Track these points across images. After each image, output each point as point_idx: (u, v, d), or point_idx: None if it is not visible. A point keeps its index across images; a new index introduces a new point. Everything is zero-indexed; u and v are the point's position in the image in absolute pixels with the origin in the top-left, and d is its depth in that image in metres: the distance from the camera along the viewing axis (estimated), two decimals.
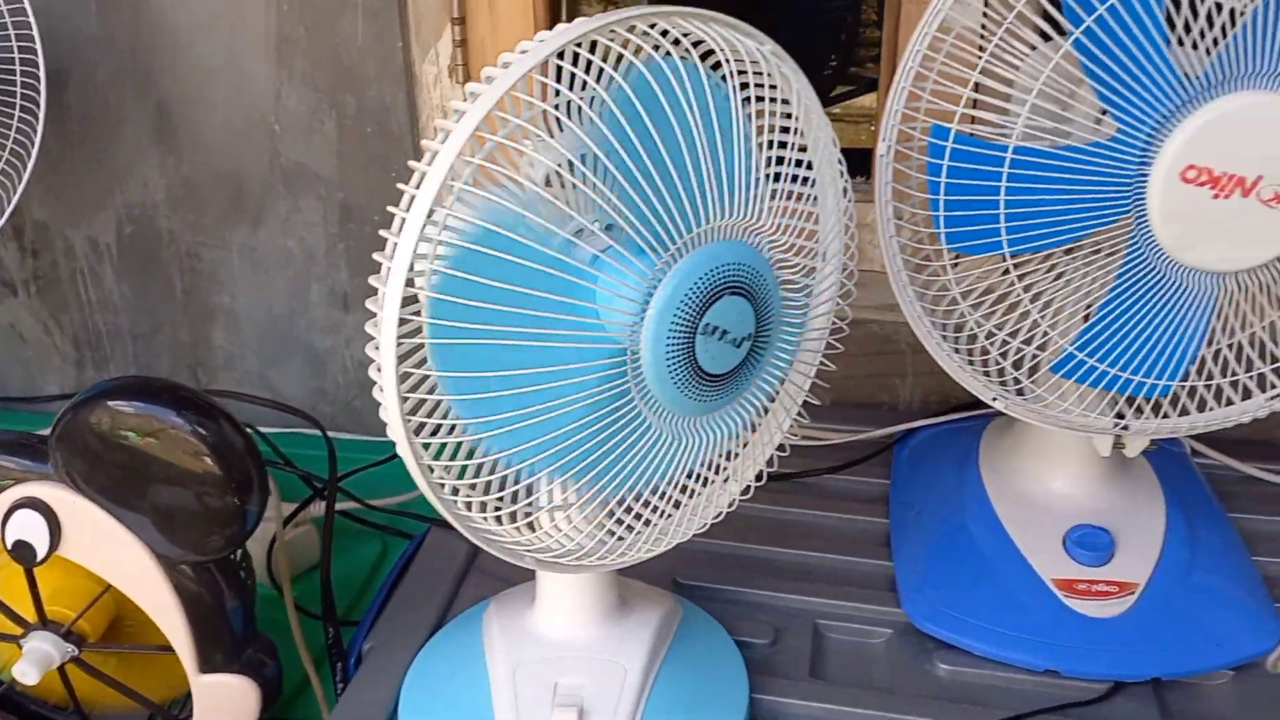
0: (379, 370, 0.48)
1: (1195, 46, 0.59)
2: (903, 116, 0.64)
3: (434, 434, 0.51)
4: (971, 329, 0.67)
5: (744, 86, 0.52)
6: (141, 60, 0.98)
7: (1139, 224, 0.61)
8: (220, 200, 1.03)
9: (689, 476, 0.59)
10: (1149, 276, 0.63)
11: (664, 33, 0.49)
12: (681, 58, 0.50)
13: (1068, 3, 0.58)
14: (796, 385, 0.62)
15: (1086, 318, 0.66)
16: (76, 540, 0.65)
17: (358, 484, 0.91)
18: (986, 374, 0.69)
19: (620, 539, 0.58)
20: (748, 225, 0.53)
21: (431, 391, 0.50)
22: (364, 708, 0.68)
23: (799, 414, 0.63)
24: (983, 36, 0.61)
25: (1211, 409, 0.69)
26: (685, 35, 0.50)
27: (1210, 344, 0.66)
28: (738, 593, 0.77)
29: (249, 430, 0.64)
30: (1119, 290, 0.64)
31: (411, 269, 0.47)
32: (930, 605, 0.73)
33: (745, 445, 0.61)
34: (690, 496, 0.60)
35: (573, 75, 0.48)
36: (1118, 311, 0.64)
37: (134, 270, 1.08)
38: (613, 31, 0.49)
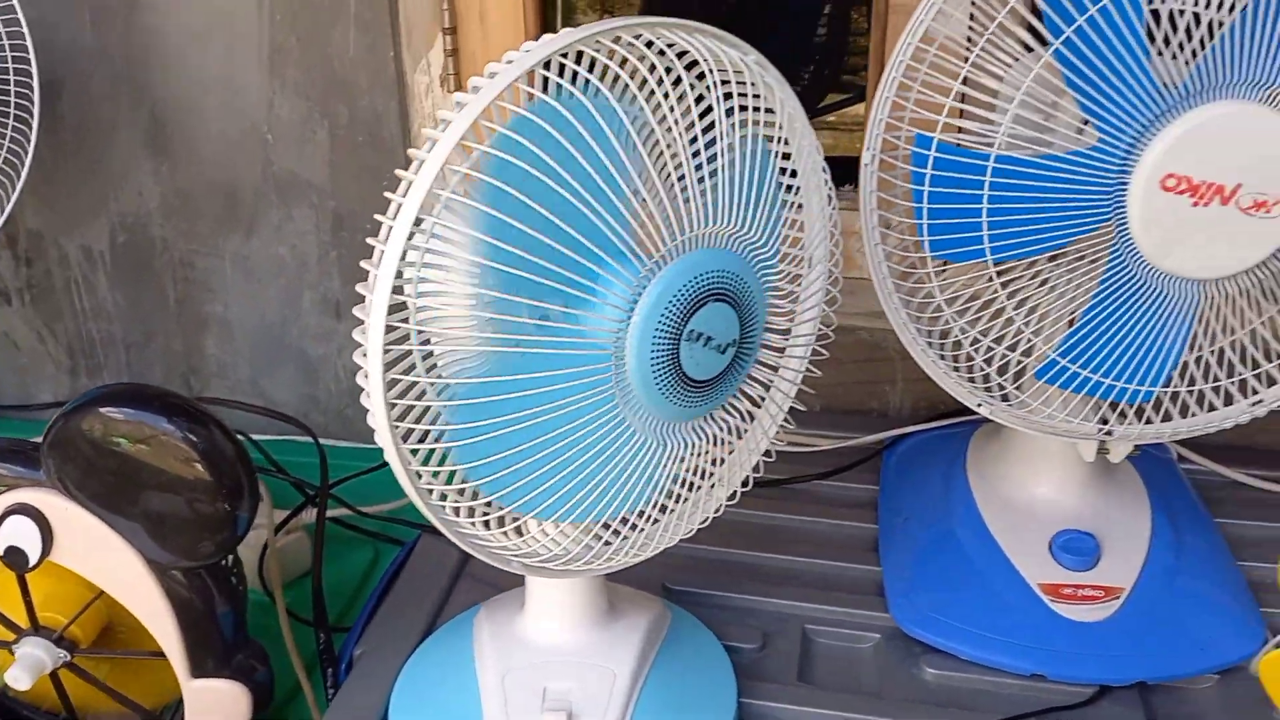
0: (366, 377, 0.49)
1: (1175, 57, 0.60)
2: (887, 126, 0.64)
3: (421, 440, 0.51)
4: (956, 336, 0.68)
5: (728, 96, 0.53)
6: (135, 70, 0.99)
7: (1120, 232, 0.62)
8: (213, 209, 1.03)
9: (676, 482, 0.60)
10: (1131, 283, 0.64)
11: (649, 44, 0.50)
12: (667, 69, 0.50)
13: (1048, 14, 0.58)
14: (783, 392, 0.63)
15: (1071, 323, 0.67)
16: (69, 546, 0.65)
17: (350, 491, 0.92)
18: (972, 380, 0.70)
19: (607, 544, 0.59)
20: (732, 233, 0.54)
21: (419, 399, 0.51)
22: (355, 713, 0.68)
23: (785, 420, 0.64)
24: (968, 45, 0.61)
25: (1194, 414, 0.69)
26: (670, 46, 0.51)
27: (1193, 350, 0.67)
28: (727, 598, 0.77)
29: (240, 437, 0.65)
30: (1101, 297, 0.65)
31: (399, 276, 0.48)
32: (917, 610, 0.74)
33: (732, 451, 0.62)
34: (678, 502, 0.61)
35: (559, 85, 0.49)
36: (1100, 318, 0.65)
37: (127, 278, 1.08)
38: (598, 42, 0.49)
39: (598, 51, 0.49)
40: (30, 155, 0.88)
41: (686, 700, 0.67)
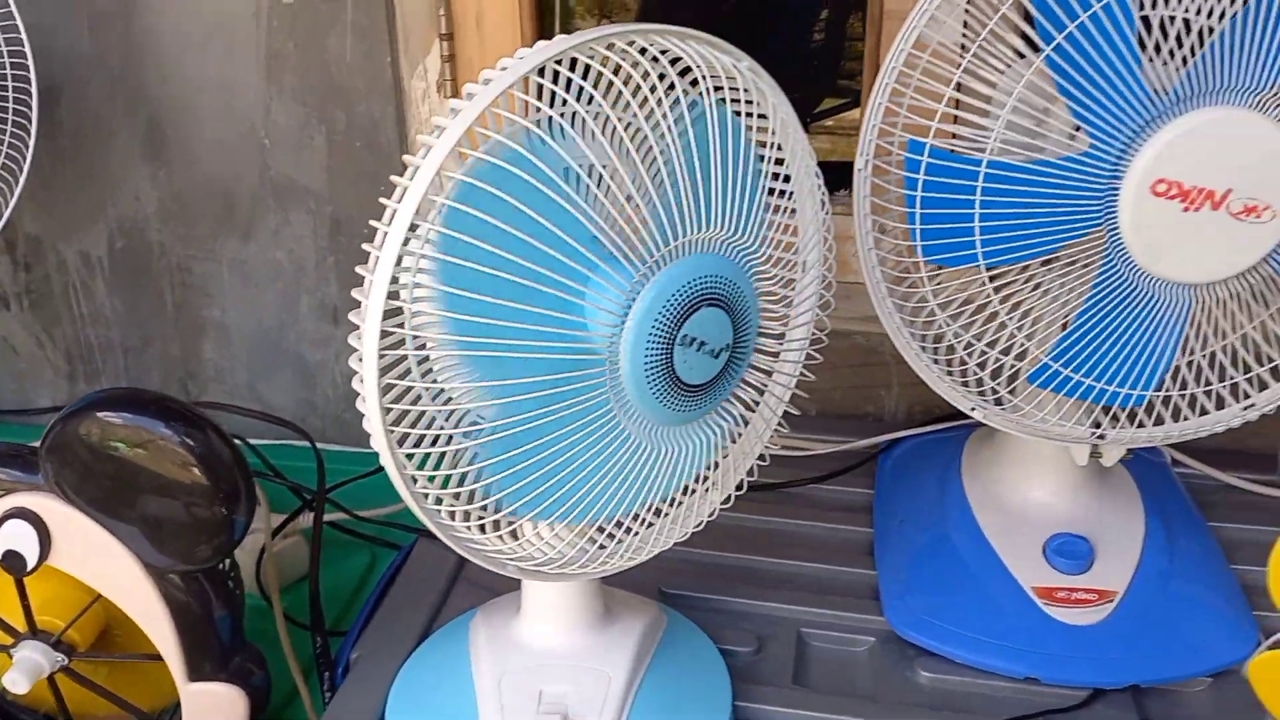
0: (362, 382, 0.49)
1: (1166, 63, 0.60)
2: (880, 131, 0.65)
3: (417, 445, 0.52)
4: (950, 340, 0.68)
5: (721, 103, 0.53)
6: (132, 76, 0.99)
7: (1111, 237, 0.62)
8: (211, 214, 1.04)
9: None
10: (1122, 288, 0.64)
11: (642, 50, 0.50)
12: (660, 76, 0.51)
13: (1040, 21, 0.59)
14: (777, 396, 0.63)
15: (1064, 327, 0.67)
16: (66, 550, 0.65)
17: (347, 495, 0.92)
18: (965, 384, 0.70)
19: (602, 548, 0.59)
20: (725, 238, 0.54)
21: (414, 403, 0.51)
22: (352, 716, 0.68)
23: (779, 425, 0.64)
24: (962, 51, 0.62)
25: (1187, 418, 0.70)
26: (664, 53, 0.51)
27: (1185, 354, 0.67)
28: (722, 601, 0.77)
29: (238, 442, 0.65)
30: (1094, 301, 0.65)
31: (395, 282, 0.48)
32: (912, 613, 0.74)
33: (726, 455, 0.62)
34: (672, 505, 0.61)
35: (553, 92, 0.49)
36: (1093, 322, 0.65)
37: (125, 284, 1.09)
38: (592, 49, 0.50)
39: (591, 58, 0.50)
40: (29, 160, 0.88)
41: (682, 703, 0.67)
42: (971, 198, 0.62)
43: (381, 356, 0.49)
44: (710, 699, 0.69)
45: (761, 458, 0.65)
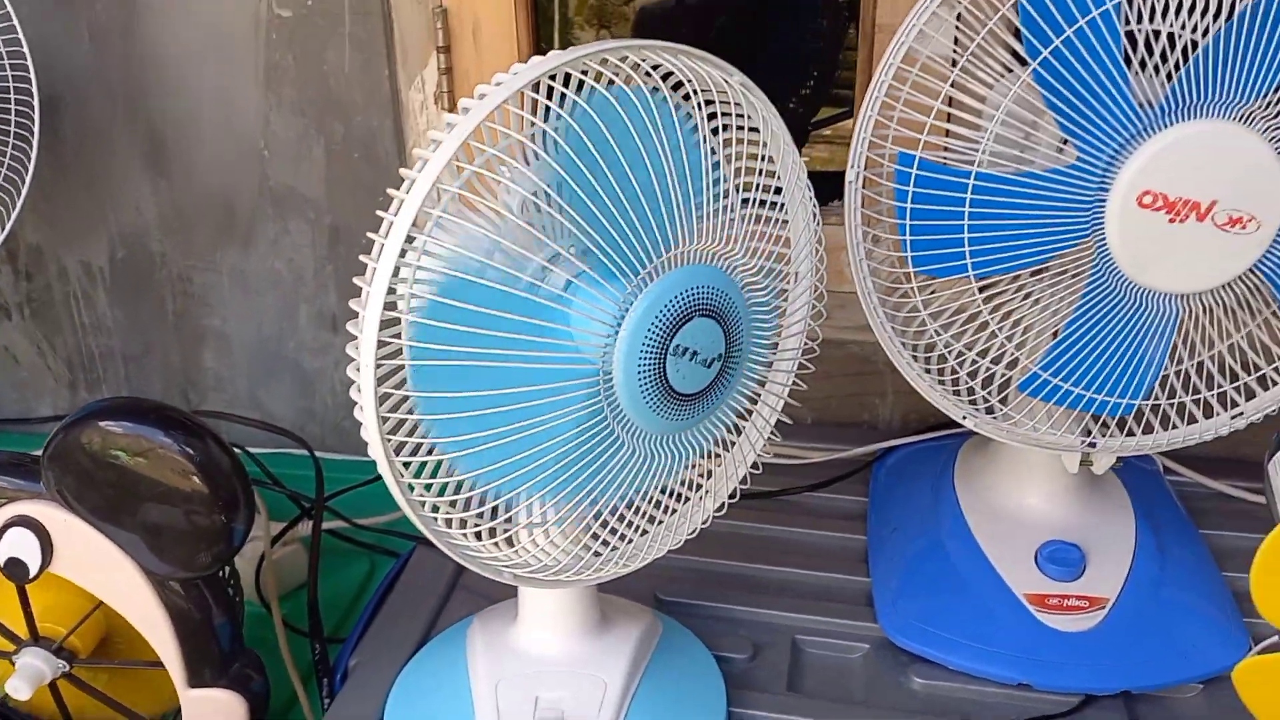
0: (359, 391, 0.50)
1: (1152, 77, 0.61)
2: (870, 144, 0.65)
3: (414, 453, 0.52)
4: (941, 350, 0.69)
5: (713, 116, 0.54)
6: (133, 89, 1.00)
7: (1099, 248, 0.63)
8: (211, 224, 1.04)
9: (665, 493, 0.61)
10: (1111, 298, 0.65)
11: (635, 66, 0.51)
12: (653, 89, 0.52)
13: (1027, 37, 0.60)
14: (770, 405, 0.64)
15: (1055, 336, 0.68)
16: (68, 558, 0.66)
17: (346, 503, 0.93)
18: (957, 393, 0.71)
19: (596, 554, 0.60)
20: (717, 250, 0.55)
21: (411, 412, 0.52)
22: None
23: (772, 433, 0.65)
24: (951, 65, 0.63)
25: (1176, 427, 0.71)
26: (655, 68, 0.52)
27: (1174, 363, 0.68)
28: (718, 609, 0.78)
29: (237, 450, 0.65)
30: (1083, 311, 0.66)
31: (392, 292, 0.49)
32: (906, 620, 0.75)
33: (720, 463, 0.63)
34: (667, 513, 0.62)
35: (546, 108, 0.50)
36: (1082, 332, 0.66)
37: (126, 293, 1.09)
38: (585, 64, 0.51)
39: (585, 73, 0.50)
40: (31, 172, 0.89)
41: (677, 709, 0.68)
42: (961, 209, 0.62)
43: (378, 366, 0.50)
44: (705, 705, 0.69)
45: (755, 466, 0.65)
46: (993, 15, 0.60)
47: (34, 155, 0.89)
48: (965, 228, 0.63)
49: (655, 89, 0.52)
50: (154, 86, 1.00)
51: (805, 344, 0.65)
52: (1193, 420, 0.70)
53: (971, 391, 0.70)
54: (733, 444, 0.63)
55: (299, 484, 0.92)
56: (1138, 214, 0.61)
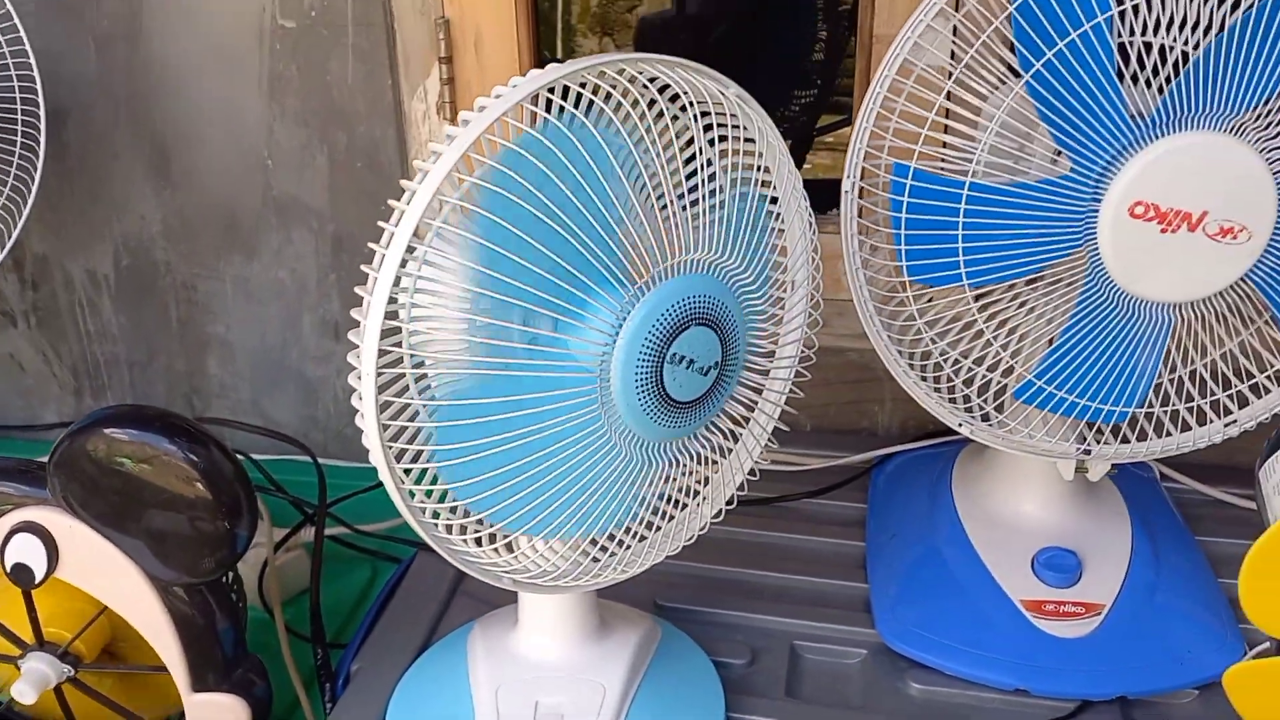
0: (360, 398, 0.51)
1: (1148, 84, 0.61)
2: (866, 154, 0.66)
3: (414, 460, 0.53)
4: (937, 358, 0.69)
5: (709, 128, 0.54)
6: (138, 99, 1.01)
7: (1092, 258, 0.64)
8: (215, 233, 1.05)
9: (663, 500, 0.61)
10: (1104, 307, 0.66)
11: (632, 79, 0.52)
12: (650, 102, 0.52)
13: (1020, 50, 0.60)
14: (766, 413, 0.65)
15: (1050, 344, 0.68)
16: (73, 563, 0.67)
17: (348, 509, 0.93)
18: (953, 401, 0.72)
19: (595, 560, 0.61)
20: (714, 259, 0.56)
21: (412, 419, 0.52)
22: None
23: (769, 440, 0.65)
24: (947, 77, 0.63)
25: (1170, 434, 0.71)
26: (652, 80, 0.53)
27: (1170, 371, 0.68)
28: (716, 614, 0.78)
29: (241, 457, 0.66)
30: (1077, 320, 0.66)
31: (393, 302, 0.50)
32: (903, 626, 0.75)
33: (717, 470, 0.64)
34: (665, 520, 0.62)
35: (545, 120, 0.50)
36: (1076, 340, 0.67)
37: (131, 301, 1.10)
38: (584, 77, 0.51)
39: (583, 86, 0.51)
40: (37, 181, 0.90)
41: (675, 714, 0.68)
42: (955, 219, 0.63)
43: (380, 374, 0.50)
44: (704, 710, 0.70)
45: (752, 473, 0.66)
46: (987, 28, 0.61)
47: (40, 165, 0.89)
48: (959, 238, 0.63)
49: (653, 102, 0.52)
50: (158, 96, 1.01)
51: (802, 352, 0.65)
52: (1187, 427, 0.71)
53: (968, 399, 0.71)
54: (730, 451, 0.64)
55: (302, 490, 0.92)
56: (1130, 224, 0.62)
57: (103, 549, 0.66)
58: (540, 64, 0.91)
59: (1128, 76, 0.61)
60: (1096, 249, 0.63)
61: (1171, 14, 0.59)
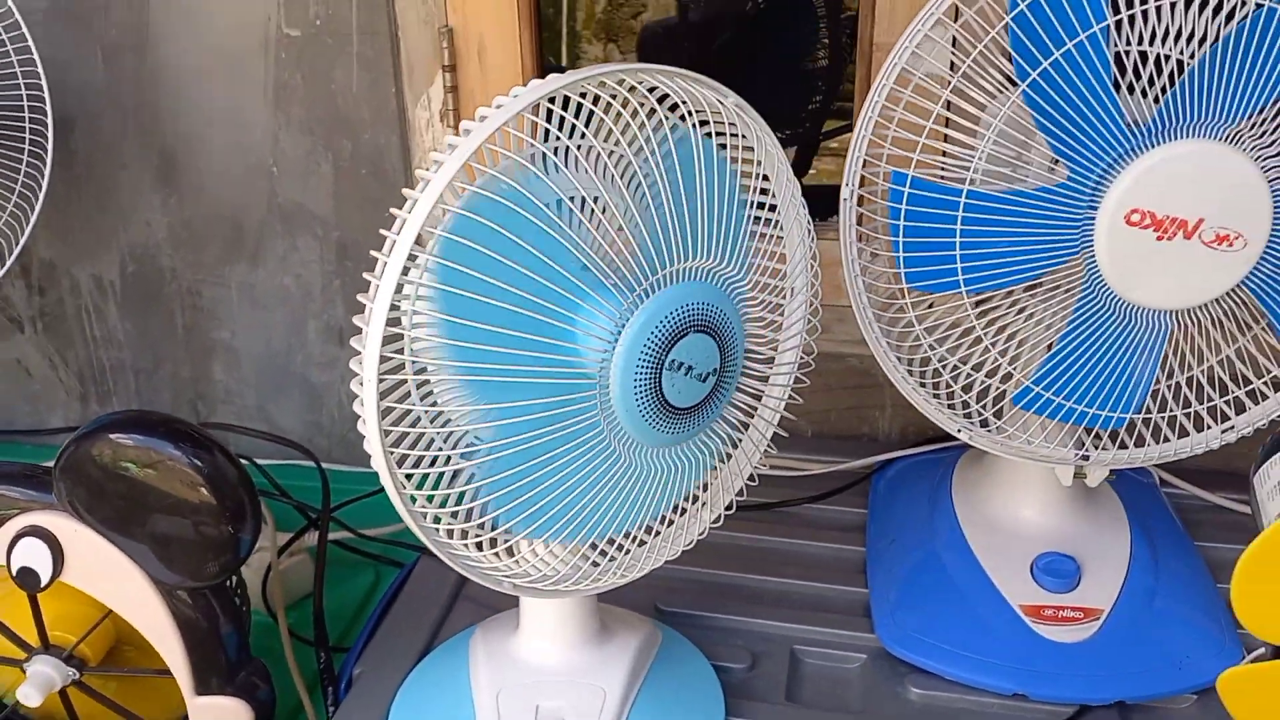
0: (362, 405, 0.51)
1: (1145, 94, 0.62)
2: (865, 162, 0.67)
3: (415, 465, 0.54)
4: (935, 364, 0.70)
5: (708, 137, 0.55)
6: (144, 107, 1.02)
7: (1089, 265, 0.64)
8: (220, 239, 1.06)
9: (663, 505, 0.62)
10: (1101, 314, 0.66)
11: (632, 89, 0.53)
12: (650, 111, 0.53)
13: (1017, 59, 0.61)
14: (765, 419, 0.65)
15: (1050, 349, 0.69)
16: (78, 567, 0.67)
17: (351, 514, 0.94)
18: (952, 407, 0.72)
19: (595, 565, 0.61)
20: (713, 267, 0.56)
21: (413, 425, 0.53)
22: None
23: (768, 446, 0.66)
24: (945, 84, 0.64)
25: (1168, 440, 0.71)
26: (652, 90, 0.53)
27: (1168, 377, 0.69)
28: (717, 619, 0.79)
29: (245, 462, 0.66)
30: (1075, 326, 0.67)
31: (395, 309, 0.50)
32: (903, 631, 0.75)
33: (717, 476, 0.64)
34: (664, 524, 0.63)
35: (546, 130, 0.51)
36: (1074, 347, 0.67)
37: (137, 307, 1.11)
38: (584, 87, 0.52)
39: (583, 96, 0.52)
40: (44, 189, 0.90)
41: (676, 719, 0.69)
42: (953, 227, 0.64)
43: (381, 380, 0.51)
44: (704, 714, 0.70)
45: (752, 478, 0.66)
46: (985, 38, 0.61)
47: (47, 172, 0.90)
48: (957, 245, 0.64)
49: (653, 111, 0.53)
50: (165, 105, 1.01)
51: (801, 358, 0.66)
52: (1184, 433, 0.71)
53: (966, 405, 0.71)
54: (729, 457, 0.64)
55: (306, 495, 0.93)
56: (1126, 232, 0.62)
57: (108, 553, 0.66)
58: (543, 71, 0.91)
59: (1124, 86, 0.61)
60: (1093, 256, 0.64)
61: (1167, 24, 0.60)
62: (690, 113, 0.54)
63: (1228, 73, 0.60)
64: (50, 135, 0.90)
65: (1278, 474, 0.57)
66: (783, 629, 0.78)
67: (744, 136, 0.58)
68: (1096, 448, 0.73)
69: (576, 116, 0.52)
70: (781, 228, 0.61)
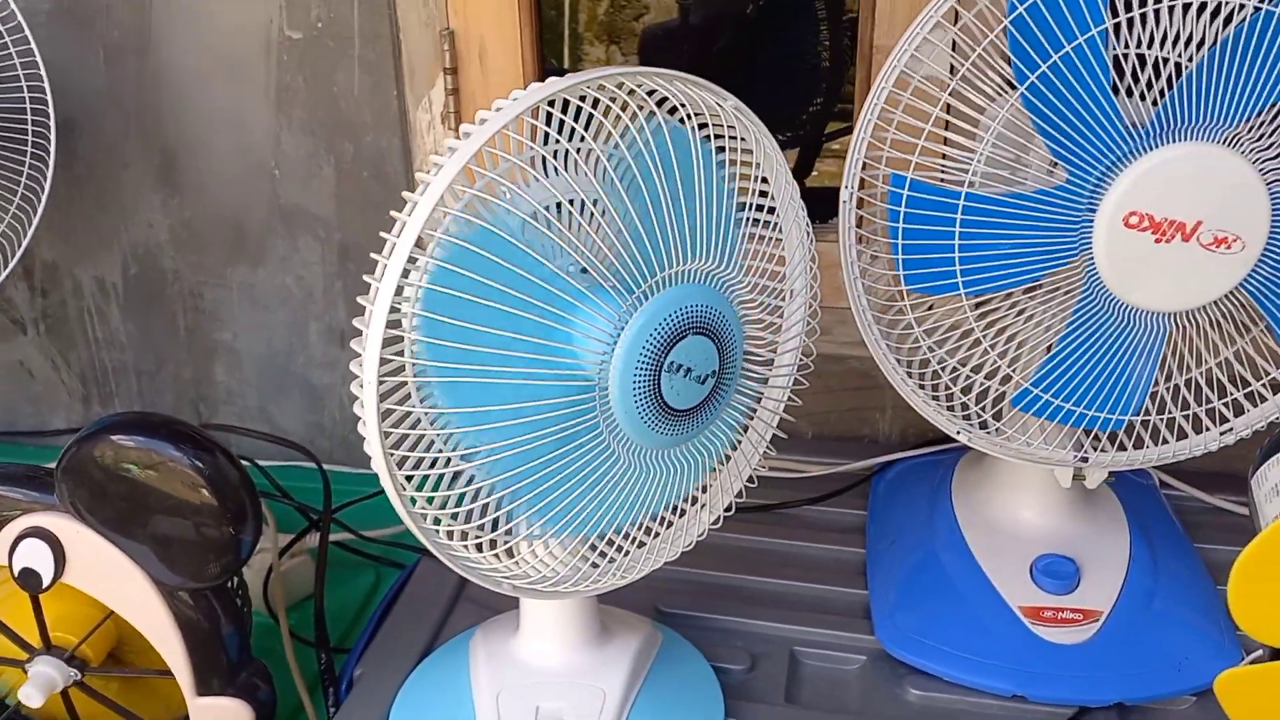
0: (362, 406, 0.51)
1: (1143, 98, 0.62)
2: (864, 165, 0.67)
3: (415, 467, 0.54)
4: (935, 366, 0.70)
5: (706, 140, 0.55)
6: (147, 109, 1.02)
7: (1087, 267, 0.64)
8: (222, 241, 1.06)
9: (662, 506, 0.62)
10: (1100, 316, 0.66)
11: (631, 92, 0.53)
12: (649, 115, 0.53)
13: (1015, 62, 0.61)
14: (765, 421, 0.65)
15: (1050, 350, 0.69)
16: (80, 568, 0.67)
17: (353, 516, 0.94)
18: (951, 409, 0.72)
19: (594, 566, 0.61)
20: (711, 269, 0.56)
21: (413, 427, 0.53)
22: None
23: (767, 448, 0.66)
24: (944, 87, 0.64)
25: (1167, 442, 0.71)
26: (650, 94, 0.54)
27: (1166, 379, 0.69)
28: (717, 620, 0.79)
29: (247, 463, 0.66)
30: (1073, 328, 0.67)
31: (395, 311, 0.50)
32: (902, 632, 0.76)
33: (716, 478, 0.64)
34: (664, 526, 0.63)
35: (546, 133, 0.51)
36: (1073, 349, 0.67)
37: (139, 309, 1.11)
38: (583, 91, 0.52)
39: (582, 100, 0.52)
40: (47, 190, 0.91)
41: (674, 719, 0.69)
42: (951, 229, 0.64)
43: (381, 382, 0.51)
44: (703, 715, 0.70)
45: (751, 480, 0.67)
46: (984, 41, 0.61)
47: (50, 174, 0.90)
48: (956, 247, 0.64)
49: (651, 114, 0.53)
50: (167, 107, 1.02)
51: (801, 360, 0.66)
52: (1183, 435, 0.71)
53: (966, 407, 0.71)
54: (728, 458, 0.64)
55: (307, 496, 0.93)
56: (1124, 234, 0.62)
57: (109, 554, 0.66)
58: (544, 73, 0.92)
59: (1122, 89, 0.61)
60: (1091, 259, 0.64)
61: (1165, 28, 0.60)
62: (689, 115, 0.54)
63: (1225, 76, 0.60)
64: (53, 137, 0.90)
65: (1275, 476, 0.57)
66: (782, 630, 0.78)
67: (743, 139, 0.58)
68: (1095, 450, 0.73)
69: (575, 120, 0.52)
70: (780, 230, 0.61)
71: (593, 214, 0.52)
